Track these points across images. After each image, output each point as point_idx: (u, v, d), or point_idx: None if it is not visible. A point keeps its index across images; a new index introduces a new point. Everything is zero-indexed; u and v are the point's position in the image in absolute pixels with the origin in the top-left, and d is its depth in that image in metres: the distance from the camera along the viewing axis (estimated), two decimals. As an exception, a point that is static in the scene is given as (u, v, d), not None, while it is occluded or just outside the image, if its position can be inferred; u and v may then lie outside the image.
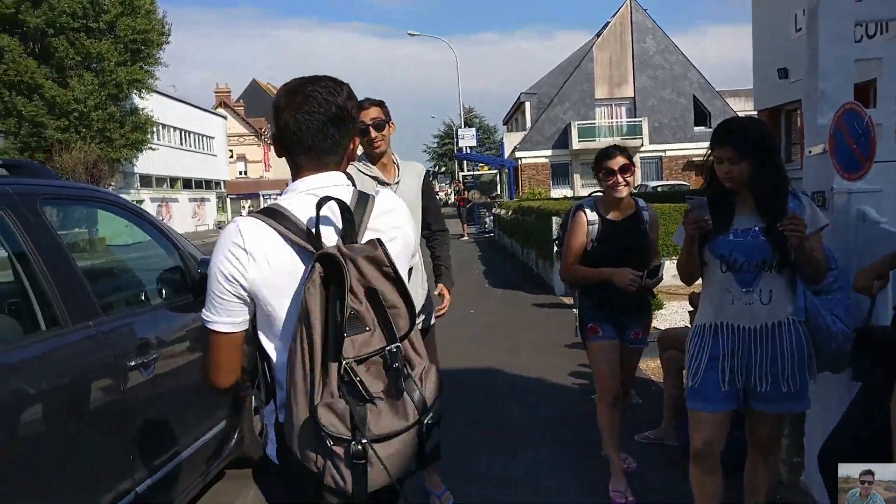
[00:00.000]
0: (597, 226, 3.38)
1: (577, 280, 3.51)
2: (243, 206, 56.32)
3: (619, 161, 3.32)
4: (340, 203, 1.49)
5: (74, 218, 3.95)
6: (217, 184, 49.91)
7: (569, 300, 8.70)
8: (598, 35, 37.13)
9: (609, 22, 36.58)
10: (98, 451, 2.50)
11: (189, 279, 3.39)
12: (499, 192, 24.02)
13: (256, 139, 62.64)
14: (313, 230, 1.48)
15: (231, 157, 56.85)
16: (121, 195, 3.31)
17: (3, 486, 2.05)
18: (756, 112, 18.71)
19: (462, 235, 21.96)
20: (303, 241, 1.49)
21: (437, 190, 57.68)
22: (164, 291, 3.32)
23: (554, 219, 9.49)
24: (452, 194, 33.97)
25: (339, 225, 1.51)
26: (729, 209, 2.56)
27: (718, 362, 2.57)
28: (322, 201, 1.49)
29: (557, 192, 33.26)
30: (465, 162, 30.44)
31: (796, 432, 3.36)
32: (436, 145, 63.32)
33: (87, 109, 28.90)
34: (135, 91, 31.32)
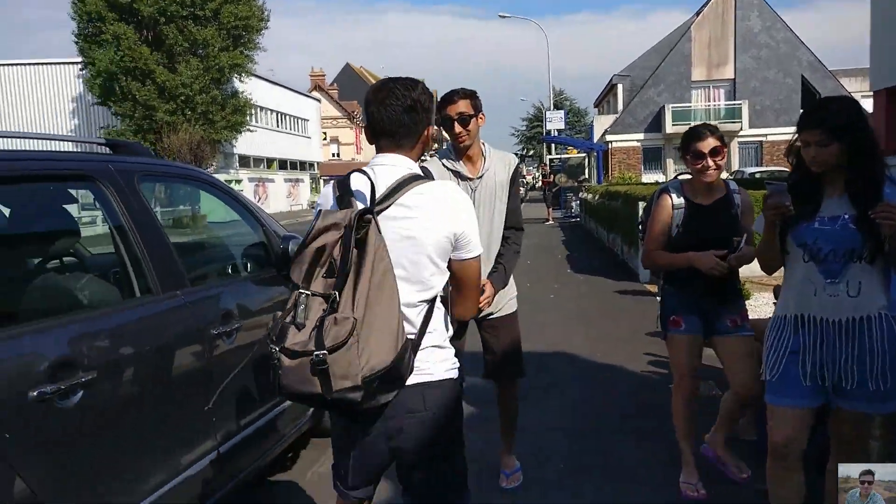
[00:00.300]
0: (683, 210, 3.17)
1: (658, 266, 3.37)
2: (335, 188, 57.64)
3: (710, 143, 3.07)
4: (369, 177, 1.90)
5: (179, 195, 4.17)
6: (311, 165, 51.36)
7: (653, 288, 8.51)
8: (697, 14, 35.63)
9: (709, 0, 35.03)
10: (183, 412, 2.66)
11: (273, 254, 3.54)
12: (587, 176, 23.52)
13: (349, 122, 63.89)
14: (347, 193, 1.94)
15: (325, 139, 58.32)
16: (219, 174, 3.38)
17: (96, 440, 2.23)
18: (872, 92, 17.47)
19: (547, 219, 21.74)
20: (335, 200, 1.98)
21: (525, 174, 57.22)
22: (248, 265, 3.49)
23: (640, 204, 9.26)
24: (540, 178, 33.56)
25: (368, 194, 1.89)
26: (816, 195, 2.44)
27: (799, 356, 2.47)
28: (351, 173, 1.96)
29: (649, 177, 32.30)
30: (553, 145, 30.07)
31: (888, 433, 3.19)
32: (524, 128, 62.74)
33: (193, 93, 30.38)
34: (235, 75, 32.64)
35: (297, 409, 3.52)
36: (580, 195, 20.90)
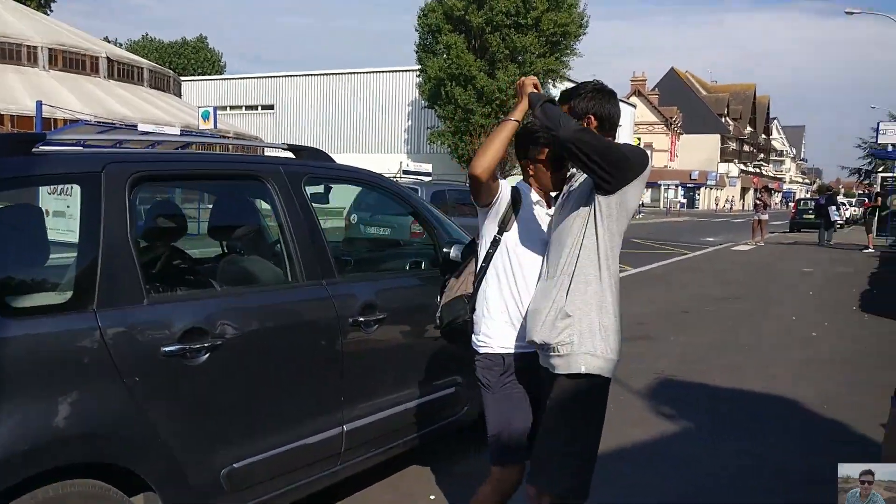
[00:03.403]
0: None
1: None
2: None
3: None
4: None
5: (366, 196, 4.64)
6: (619, 171, 50.90)
7: (955, 341, 6.97)
8: None
9: None
10: (311, 387, 3.04)
11: (440, 256, 3.76)
12: (932, 199, 19.64)
13: (665, 128, 61.94)
14: None
15: (638, 144, 57.25)
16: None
17: (223, 393, 2.68)
18: None
19: (866, 247, 18.70)
20: None
21: (865, 189, 49.22)
22: (408, 263, 3.78)
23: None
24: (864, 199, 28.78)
25: None
26: None
27: None
28: None
29: None
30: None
31: None
32: (874, 139, 54.18)
33: (507, 98, 32.23)
34: (550, 80, 33.79)
35: (439, 407, 3.71)
36: (914, 222, 17.61)
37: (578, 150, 2.25)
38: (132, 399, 2.36)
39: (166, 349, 2.48)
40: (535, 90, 2.43)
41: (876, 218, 19.74)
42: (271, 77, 45.27)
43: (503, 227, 2.57)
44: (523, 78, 2.49)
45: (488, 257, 2.60)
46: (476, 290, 2.65)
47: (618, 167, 2.28)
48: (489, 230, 2.62)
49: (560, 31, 32.95)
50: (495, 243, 2.59)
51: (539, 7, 31.99)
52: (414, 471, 3.83)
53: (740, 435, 4.47)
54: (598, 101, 2.44)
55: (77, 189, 2.51)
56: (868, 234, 19.41)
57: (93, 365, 2.29)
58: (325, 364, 3.10)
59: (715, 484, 3.72)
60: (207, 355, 2.60)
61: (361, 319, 3.21)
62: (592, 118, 2.43)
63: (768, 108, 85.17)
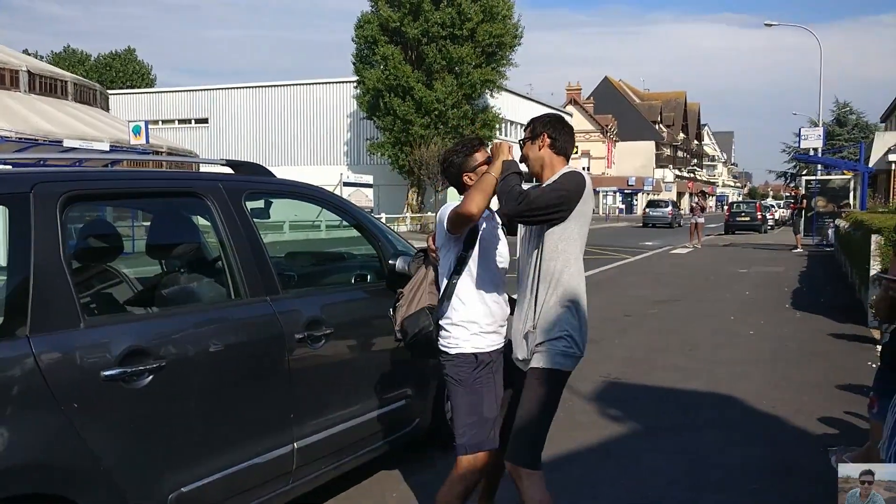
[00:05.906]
0: None
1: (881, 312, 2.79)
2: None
3: None
4: None
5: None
6: (558, 178, 51.75)
7: (878, 333, 7.33)
8: None
9: None
10: (258, 404, 2.97)
11: (385, 268, 3.74)
12: (849, 201, 20.70)
13: (601, 136, 63.39)
14: None
15: (576, 152, 58.26)
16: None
17: (164, 418, 2.60)
18: None
19: (795, 247, 19.53)
20: None
21: (791, 192, 51.54)
22: (353, 277, 3.75)
23: (874, 237, 8.01)
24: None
25: None
26: None
27: None
28: None
29: (945, 205, 27.22)
30: (819, 165, 26.91)
31: None
32: (797, 144, 56.75)
33: (446, 108, 32.44)
34: (487, 90, 34.18)
35: (390, 420, 3.67)
36: (835, 223, 18.51)
37: (531, 214, 2.67)
38: (71, 426, 2.27)
39: (106, 373, 2.39)
40: (509, 156, 2.83)
41: (802, 219, 20.67)
42: (205, 90, 44.38)
43: (469, 246, 2.87)
44: (499, 143, 2.89)
45: (457, 272, 2.88)
46: (442, 301, 2.89)
47: (561, 205, 2.68)
48: (454, 250, 2.89)
49: (495, 41, 33.38)
50: (462, 261, 2.87)
51: (474, 18, 32.34)
52: (366, 486, 3.78)
53: (683, 432, 4.59)
54: (553, 126, 2.86)
55: (3, 210, 2.41)
56: (796, 234, 20.29)
57: (28, 393, 2.20)
58: (273, 381, 3.05)
59: (661, 482, 3.80)
60: (150, 377, 2.52)
61: (308, 335, 3.16)
62: (546, 136, 2.84)
63: (699, 115, 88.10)
